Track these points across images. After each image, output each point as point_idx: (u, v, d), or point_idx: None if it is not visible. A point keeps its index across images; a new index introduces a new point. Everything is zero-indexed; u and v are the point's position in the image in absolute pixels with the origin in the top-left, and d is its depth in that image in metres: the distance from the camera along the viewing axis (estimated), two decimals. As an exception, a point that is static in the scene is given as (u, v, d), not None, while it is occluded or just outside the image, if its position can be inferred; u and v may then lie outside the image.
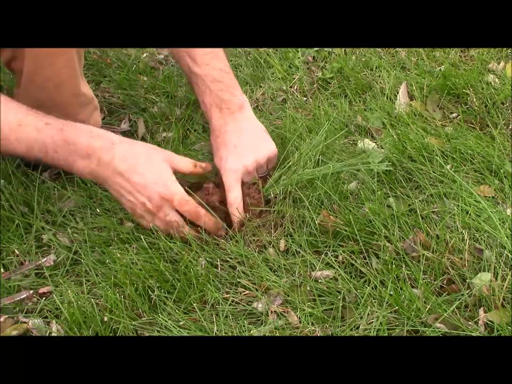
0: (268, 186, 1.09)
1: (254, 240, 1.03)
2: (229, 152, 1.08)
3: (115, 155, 0.97)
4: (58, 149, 0.95)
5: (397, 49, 1.56)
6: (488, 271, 0.90)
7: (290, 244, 1.01)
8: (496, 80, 1.36)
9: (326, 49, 1.60)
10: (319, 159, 1.14)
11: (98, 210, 1.11)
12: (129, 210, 1.02)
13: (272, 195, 1.08)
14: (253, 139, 1.10)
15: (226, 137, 1.09)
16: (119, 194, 1.00)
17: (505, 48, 1.49)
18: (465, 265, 0.92)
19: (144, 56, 1.68)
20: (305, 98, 1.44)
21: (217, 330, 0.87)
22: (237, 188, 1.05)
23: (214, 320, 0.89)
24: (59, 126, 0.96)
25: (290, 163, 1.11)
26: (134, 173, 0.98)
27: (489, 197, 1.05)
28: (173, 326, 0.88)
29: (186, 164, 1.03)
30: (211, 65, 1.10)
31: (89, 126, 1.00)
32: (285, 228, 1.04)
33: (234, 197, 1.05)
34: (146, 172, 0.98)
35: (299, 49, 1.60)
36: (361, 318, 0.86)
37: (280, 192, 1.07)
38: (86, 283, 0.97)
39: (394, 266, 0.91)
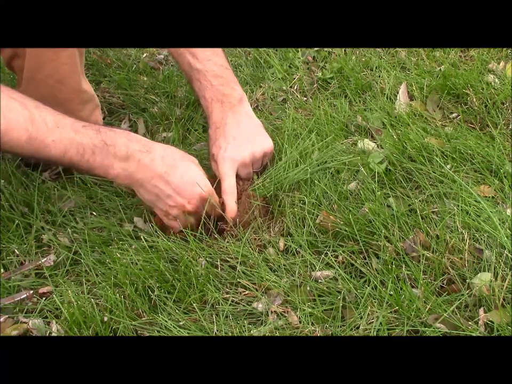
0: (256, 188, 1.09)
1: (254, 239, 1.03)
2: (227, 142, 1.09)
3: (154, 158, 0.97)
4: (96, 150, 0.92)
5: (397, 49, 1.56)
6: (488, 271, 0.90)
7: (290, 244, 1.01)
8: (496, 80, 1.36)
9: (326, 49, 1.60)
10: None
11: (95, 213, 1.11)
12: (161, 214, 1.02)
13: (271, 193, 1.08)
14: (251, 133, 1.12)
15: (226, 129, 1.10)
16: (155, 198, 1.00)
17: (505, 48, 1.48)
18: (465, 265, 0.92)
19: (144, 56, 1.68)
20: (305, 98, 1.44)
21: (217, 330, 0.87)
22: (232, 176, 1.07)
23: (214, 320, 0.89)
24: (96, 128, 0.95)
25: (278, 165, 1.13)
26: (173, 175, 0.98)
27: (489, 197, 1.05)
28: (173, 326, 0.87)
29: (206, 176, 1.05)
30: (212, 60, 1.12)
31: (124, 130, 1.00)
32: (283, 225, 1.04)
33: (229, 185, 1.06)
34: (184, 173, 0.99)
35: (299, 49, 1.60)
36: (361, 318, 0.86)
37: (268, 195, 1.08)
38: (86, 283, 0.97)
39: (394, 266, 0.91)
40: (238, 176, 1.10)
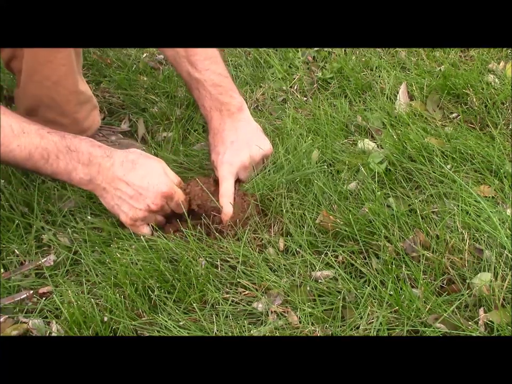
0: (247, 188, 1.10)
1: (254, 239, 1.03)
2: (226, 147, 1.11)
3: (114, 163, 0.99)
4: (60, 154, 0.96)
5: (397, 49, 1.56)
6: (488, 271, 0.90)
7: (290, 244, 1.00)
8: (496, 80, 1.36)
9: (326, 49, 1.60)
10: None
11: (90, 218, 1.10)
12: (128, 221, 1.02)
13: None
14: (249, 137, 1.13)
15: (224, 134, 1.12)
16: (119, 201, 1.01)
17: (505, 48, 1.48)
18: (465, 265, 0.92)
19: (144, 56, 1.68)
20: (305, 98, 1.44)
21: (217, 330, 0.87)
22: (230, 180, 1.08)
23: (214, 320, 0.89)
24: (61, 134, 0.98)
25: (268, 166, 1.14)
26: (135, 176, 1.00)
27: (489, 197, 1.05)
28: (173, 326, 0.88)
29: (174, 177, 1.05)
30: (211, 70, 1.13)
31: (88, 138, 1.02)
32: (283, 225, 1.04)
33: (226, 188, 1.07)
34: (144, 175, 1.00)
35: (299, 49, 1.60)
36: (361, 318, 0.86)
37: (258, 195, 1.08)
38: (86, 283, 0.97)
39: (394, 266, 0.91)
40: (239, 180, 1.11)
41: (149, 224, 1.04)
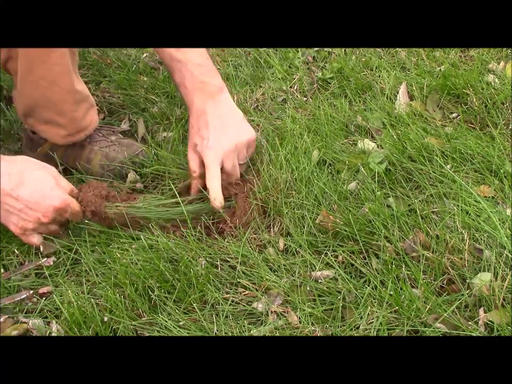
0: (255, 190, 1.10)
1: (254, 239, 1.03)
2: (210, 132, 1.10)
3: (0, 174, 0.96)
4: None
5: (397, 49, 1.56)
6: (488, 271, 0.90)
7: (290, 244, 1.00)
8: (496, 80, 1.36)
9: (326, 49, 1.60)
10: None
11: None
12: (17, 231, 1.01)
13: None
14: (233, 123, 1.12)
15: (208, 118, 1.11)
16: (8, 214, 0.99)
17: (505, 48, 1.48)
18: (465, 265, 0.92)
19: (144, 56, 1.68)
20: (305, 98, 1.44)
21: (217, 330, 0.87)
22: (216, 166, 1.07)
23: (214, 320, 0.89)
24: None
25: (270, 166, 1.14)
26: (24, 191, 0.98)
27: (489, 197, 1.05)
28: (173, 326, 0.88)
29: (66, 185, 1.04)
30: (193, 51, 1.12)
31: None
32: (283, 225, 1.04)
33: (212, 173, 1.06)
34: (34, 189, 0.98)
35: (299, 49, 1.60)
36: (361, 318, 0.86)
37: (262, 196, 1.08)
38: (86, 283, 0.97)
39: (394, 266, 0.91)
40: (223, 169, 1.09)
41: (38, 234, 1.03)
